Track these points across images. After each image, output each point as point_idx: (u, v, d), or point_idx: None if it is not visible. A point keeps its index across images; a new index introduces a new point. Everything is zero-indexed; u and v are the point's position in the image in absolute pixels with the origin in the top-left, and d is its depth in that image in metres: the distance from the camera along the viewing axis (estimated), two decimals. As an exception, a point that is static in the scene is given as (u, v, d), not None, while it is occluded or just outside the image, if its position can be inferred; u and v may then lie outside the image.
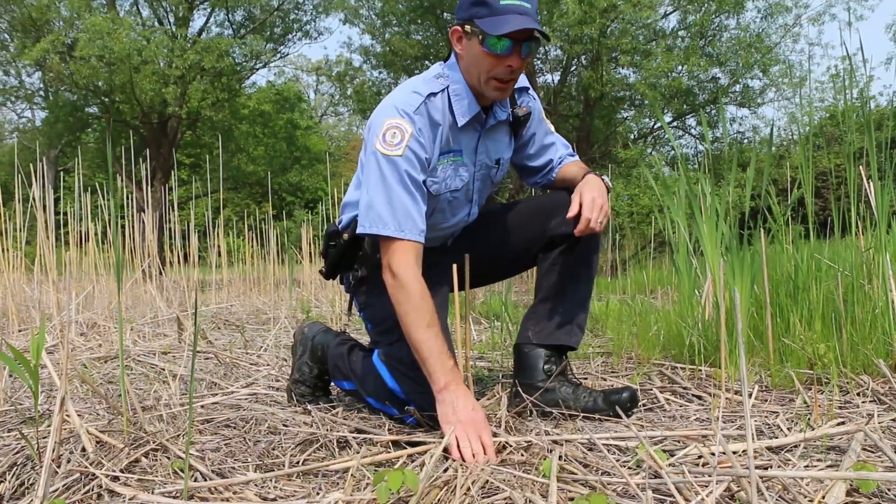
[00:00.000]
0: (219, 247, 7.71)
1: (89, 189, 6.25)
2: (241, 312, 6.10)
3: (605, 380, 2.58)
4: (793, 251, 2.72)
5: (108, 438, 1.73)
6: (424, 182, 1.85)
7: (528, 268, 2.27)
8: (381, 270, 1.86)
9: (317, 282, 7.83)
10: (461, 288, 1.95)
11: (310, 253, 7.90)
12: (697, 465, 1.51)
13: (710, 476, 1.26)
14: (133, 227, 6.46)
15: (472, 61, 1.85)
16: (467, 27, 1.82)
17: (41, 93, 17.53)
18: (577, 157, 2.23)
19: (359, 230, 1.84)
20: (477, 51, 1.82)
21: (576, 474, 1.44)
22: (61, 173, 12.64)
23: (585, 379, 2.58)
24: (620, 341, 3.19)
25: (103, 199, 6.41)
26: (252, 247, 8.94)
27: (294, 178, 19.44)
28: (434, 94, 1.86)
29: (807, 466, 1.47)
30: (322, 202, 9.33)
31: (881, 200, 2.69)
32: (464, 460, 1.58)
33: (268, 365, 3.17)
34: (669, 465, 1.47)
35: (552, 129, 2.21)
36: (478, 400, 2.17)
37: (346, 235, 2.02)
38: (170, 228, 6.99)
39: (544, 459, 1.49)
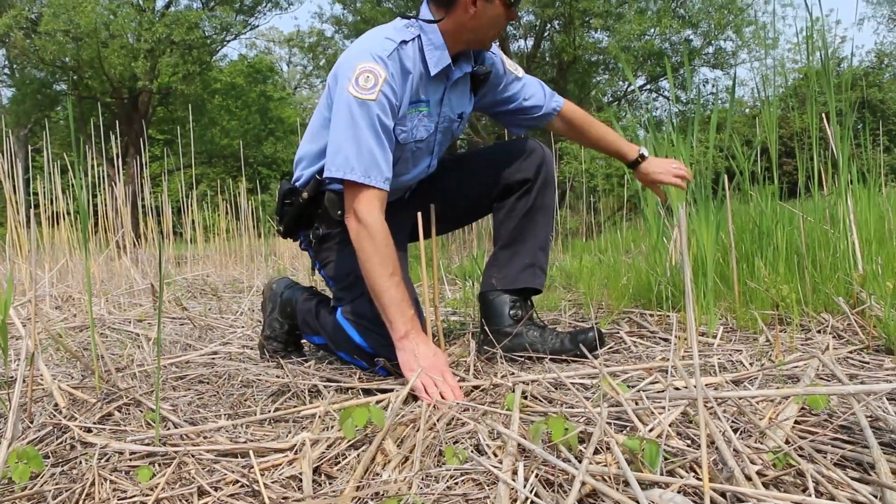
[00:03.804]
0: (193, 221, 7.67)
1: (59, 165, 6.18)
2: (217, 282, 6.09)
3: (574, 326, 2.62)
4: (758, 199, 2.76)
5: (81, 394, 1.74)
6: (393, 129, 1.86)
7: (485, 215, 2.32)
8: (341, 227, 1.87)
9: (293, 251, 7.82)
10: (426, 237, 1.97)
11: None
12: (657, 395, 1.55)
13: (666, 401, 1.29)
14: (105, 202, 6.42)
15: (487, 21, 1.87)
16: None
17: (6, 70, 17.23)
18: (563, 100, 2.30)
19: (325, 174, 1.83)
20: (500, 12, 1.87)
21: (537, 408, 1.48)
22: (31, 153, 12.46)
23: (555, 327, 2.62)
24: (591, 293, 3.24)
25: (74, 178, 6.34)
26: (227, 219, 8.90)
27: (269, 150, 19.25)
28: (406, 42, 1.86)
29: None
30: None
31: (842, 147, 2.73)
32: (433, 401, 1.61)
33: (242, 326, 3.19)
34: (630, 395, 1.51)
35: (518, 70, 2.22)
36: (447, 348, 2.21)
37: (305, 194, 2.01)
38: (143, 205, 6.94)
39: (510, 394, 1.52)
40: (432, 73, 1.89)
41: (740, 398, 1.23)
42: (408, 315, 1.76)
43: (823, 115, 2.85)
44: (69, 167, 5.95)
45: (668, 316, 2.57)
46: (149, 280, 5.16)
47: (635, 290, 3.00)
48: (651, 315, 2.62)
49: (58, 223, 5.69)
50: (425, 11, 1.91)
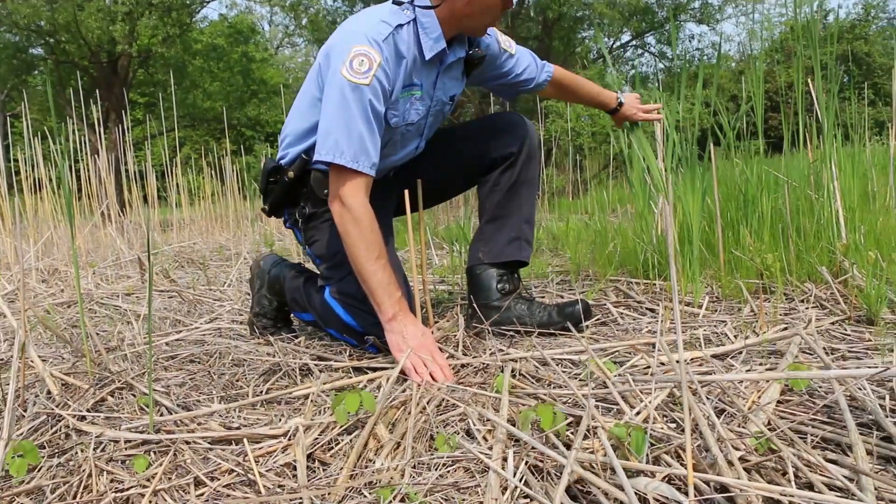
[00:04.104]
0: (178, 185, 7.64)
1: (39, 134, 6.11)
2: (204, 250, 6.08)
3: (561, 297, 2.64)
4: (743, 166, 2.77)
5: (73, 380, 1.75)
6: (385, 113, 1.86)
7: (471, 188, 2.36)
8: (327, 206, 1.87)
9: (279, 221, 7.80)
10: (414, 211, 1.99)
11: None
12: (644, 374, 1.57)
13: (652, 384, 1.32)
14: (88, 170, 6.36)
15: (481, 9, 1.88)
16: None
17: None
18: (553, 67, 2.40)
19: (315, 156, 1.83)
20: (495, 1, 1.88)
21: (527, 388, 1.50)
22: (9, 119, 12.30)
23: (542, 297, 2.64)
24: (577, 260, 3.26)
25: (54, 144, 6.28)
26: (213, 182, 8.86)
27: (252, 112, 19.03)
28: (401, 26, 1.85)
29: (747, 371, 1.54)
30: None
31: (827, 115, 2.74)
32: (422, 382, 1.63)
33: (231, 300, 3.19)
34: (617, 375, 1.53)
35: (511, 46, 2.24)
36: (436, 322, 2.24)
37: (291, 173, 2.01)
38: (126, 170, 6.88)
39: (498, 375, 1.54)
40: (427, 58, 1.89)
41: (725, 381, 1.26)
42: (395, 297, 1.77)
43: (809, 79, 2.86)
44: (49, 133, 5.88)
45: (655, 284, 2.59)
46: (135, 251, 5.15)
47: (622, 257, 3.03)
48: (638, 284, 2.65)
49: (40, 190, 5.65)
50: None
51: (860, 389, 1.25)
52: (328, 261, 2.03)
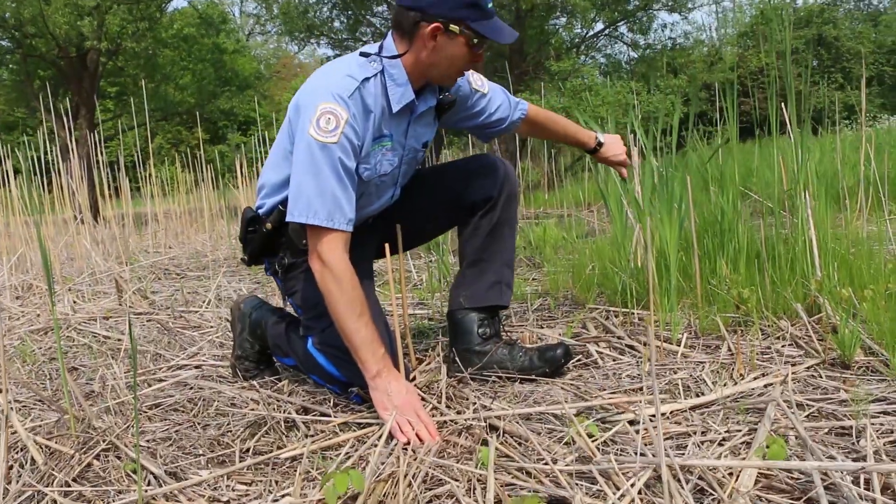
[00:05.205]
0: (150, 176, 7.57)
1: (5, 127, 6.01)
2: (180, 256, 6.05)
3: (541, 327, 2.67)
4: (719, 195, 2.80)
5: (57, 445, 1.75)
6: (356, 168, 1.85)
7: (450, 229, 2.40)
8: (307, 256, 1.88)
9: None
10: (394, 253, 2.01)
11: (244, 176, 7.86)
12: (627, 437, 1.60)
13: (634, 463, 1.35)
14: (59, 173, 6.28)
15: (446, 58, 1.85)
16: (454, 27, 1.80)
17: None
18: (526, 104, 2.36)
19: (288, 218, 1.83)
20: (461, 51, 1.84)
21: (513, 457, 1.52)
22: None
23: (523, 327, 2.67)
24: (556, 280, 3.29)
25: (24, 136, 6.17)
26: (186, 175, 8.80)
27: (225, 105, 18.80)
28: (368, 80, 1.84)
29: (727, 453, 1.57)
30: (257, 125, 9.16)
31: (800, 137, 2.78)
32: (408, 443, 1.65)
33: (211, 326, 3.19)
34: (602, 442, 1.56)
35: (484, 85, 2.21)
36: (417, 366, 2.26)
37: (269, 224, 2.01)
38: (98, 161, 6.79)
39: (483, 445, 1.57)
40: (395, 111, 1.89)
41: (705, 465, 1.29)
42: (378, 354, 1.79)
43: (782, 104, 2.90)
44: (17, 125, 5.80)
45: (634, 314, 2.63)
46: (110, 263, 5.11)
47: (600, 280, 3.06)
48: (616, 315, 2.68)
49: (7, 184, 5.57)
50: (389, 44, 1.88)
51: (839, 475, 1.29)
52: (310, 311, 2.03)
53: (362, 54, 1.89)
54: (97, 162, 6.93)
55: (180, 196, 8.38)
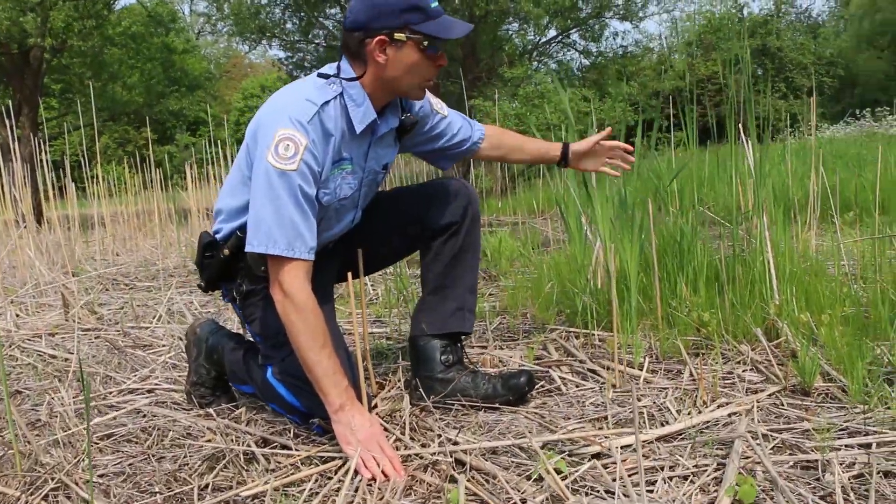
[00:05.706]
0: (97, 176, 7.38)
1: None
2: (128, 264, 5.90)
3: (502, 348, 2.64)
4: (679, 216, 2.81)
5: (3, 488, 1.66)
6: (316, 195, 1.80)
7: (412, 254, 2.34)
8: (265, 283, 1.82)
9: (204, 217, 7.60)
10: (355, 277, 1.95)
11: (194, 179, 7.74)
12: (596, 473, 1.58)
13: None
14: (1, 176, 6.08)
15: (404, 68, 1.79)
16: (399, 34, 1.74)
17: None
18: (483, 126, 2.31)
19: (247, 248, 1.77)
20: (415, 58, 1.78)
21: (481, 497, 1.49)
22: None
23: (484, 349, 2.64)
24: (515, 297, 3.26)
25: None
26: (134, 176, 8.59)
27: (174, 106, 18.41)
28: (327, 103, 1.78)
29: (693, 474, 1.56)
30: (207, 125, 9.02)
31: (759, 157, 2.81)
32: (373, 479, 1.61)
33: (163, 345, 3.09)
34: (572, 480, 1.54)
35: (443, 108, 2.18)
36: (378, 392, 2.21)
37: (227, 250, 1.94)
38: (42, 161, 6.57)
39: (451, 482, 1.53)
40: (357, 132, 1.84)
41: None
42: (342, 386, 1.74)
43: (741, 126, 2.92)
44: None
45: (594, 335, 2.62)
46: (55, 273, 4.95)
47: (559, 297, 3.05)
48: (577, 336, 2.67)
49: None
50: (346, 66, 1.83)
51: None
52: (269, 340, 1.97)
53: (321, 75, 1.83)
54: (41, 162, 6.71)
55: (128, 198, 8.18)
